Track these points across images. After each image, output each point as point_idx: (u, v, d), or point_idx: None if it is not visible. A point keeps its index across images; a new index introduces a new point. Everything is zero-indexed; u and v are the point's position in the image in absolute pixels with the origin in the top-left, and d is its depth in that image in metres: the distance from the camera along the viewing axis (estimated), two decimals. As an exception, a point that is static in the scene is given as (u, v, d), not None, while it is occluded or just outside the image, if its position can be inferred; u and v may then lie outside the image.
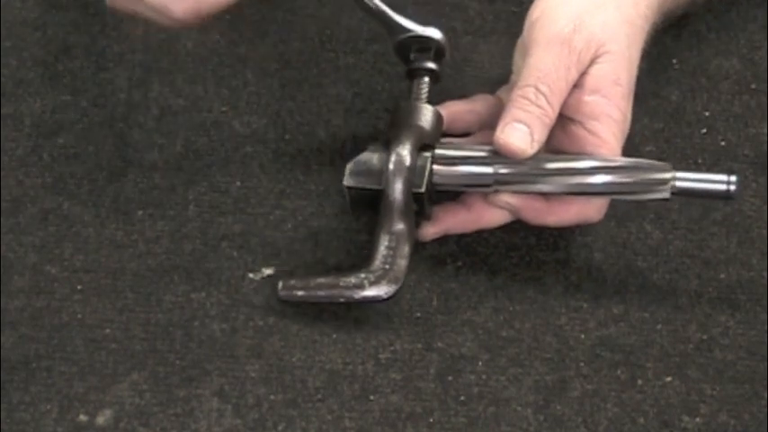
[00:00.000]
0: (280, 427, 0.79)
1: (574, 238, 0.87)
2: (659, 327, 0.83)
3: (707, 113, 0.92)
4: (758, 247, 0.86)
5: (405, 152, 0.80)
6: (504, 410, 0.80)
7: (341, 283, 0.80)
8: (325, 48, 0.95)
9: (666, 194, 0.80)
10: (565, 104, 0.81)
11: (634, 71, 0.83)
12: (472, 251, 0.86)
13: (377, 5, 0.84)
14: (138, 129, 0.90)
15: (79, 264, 0.85)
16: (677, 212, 0.88)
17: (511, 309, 0.84)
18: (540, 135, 0.80)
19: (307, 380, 0.81)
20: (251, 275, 0.85)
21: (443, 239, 0.86)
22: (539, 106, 0.80)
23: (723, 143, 0.91)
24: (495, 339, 0.83)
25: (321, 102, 0.92)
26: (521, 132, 0.80)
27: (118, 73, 0.93)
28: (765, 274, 0.85)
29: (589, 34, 0.81)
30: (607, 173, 0.80)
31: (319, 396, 0.80)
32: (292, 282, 0.81)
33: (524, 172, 0.81)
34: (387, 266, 0.79)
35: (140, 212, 0.87)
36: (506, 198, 0.82)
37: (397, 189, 0.80)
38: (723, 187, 0.80)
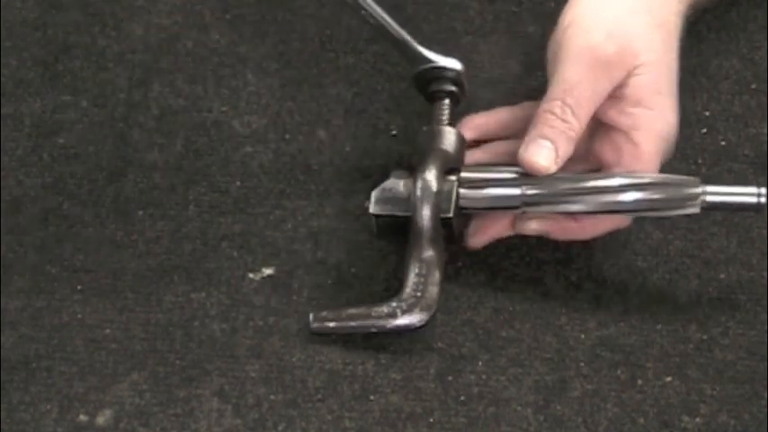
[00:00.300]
0: (280, 427, 0.79)
1: (574, 238, 0.87)
2: (659, 327, 0.83)
3: (707, 113, 0.92)
4: (758, 247, 0.86)
5: (431, 177, 0.80)
6: (504, 410, 0.80)
7: (373, 313, 0.80)
8: (325, 48, 0.95)
9: (697, 209, 0.80)
10: (608, 115, 0.81)
11: (674, 76, 0.83)
12: (472, 251, 0.86)
13: (399, 34, 0.84)
14: (138, 129, 0.90)
15: (79, 264, 0.85)
16: (677, 212, 0.88)
17: (511, 309, 0.84)
18: (565, 150, 0.80)
19: (307, 380, 0.81)
20: (251, 275, 0.85)
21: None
22: (564, 120, 0.80)
23: (723, 143, 0.91)
24: (495, 339, 0.83)
25: (321, 102, 0.92)
26: (545, 149, 0.80)
27: (118, 73, 0.93)
28: (765, 274, 0.85)
29: (622, 44, 0.81)
30: (637, 190, 0.80)
31: (319, 396, 0.80)
32: (324, 313, 0.81)
33: (552, 192, 0.80)
34: (418, 294, 0.79)
35: (140, 212, 0.87)
36: (533, 225, 0.82)
37: (426, 215, 0.80)
38: (754, 200, 0.80)
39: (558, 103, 0.80)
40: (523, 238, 0.86)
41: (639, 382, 0.81)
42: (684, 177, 0.81)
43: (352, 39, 0.95)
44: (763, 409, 0.80)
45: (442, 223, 0.80)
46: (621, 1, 0.83)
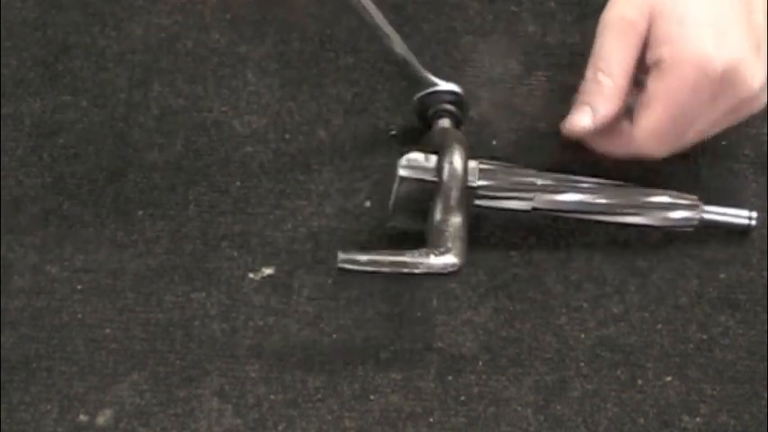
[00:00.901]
0: (280, 427, 0.79)
1: (574, 238, 0.87)
2: (659, 327, 0.83)
3: (707, 113, 0.92)
4: (758, 246, 0.86)
5: (459, 147, 0.81)
6: (504, 410, 0.80)
7: (405, 255, 0.79)
8: (325, 48, 0.95)
9: (691, 229, 0.85)
10: (643, 66, 0.82)
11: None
12: (472, 251, 0.86)
13: (403, 55, 0.85)
14: (138, 129, 0.90)
15: (79, 264, 0.85)
16: (677, 212, 0.88)
17: (511, 309, 0.84)
18: (605, 109, 0.82)
19: (307, 380, 0.81)
20: (251, 275, 0.85)
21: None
22: (596, 82, 0.82)
23: (723, 143, 0.90)
24: (495, 339, 0.83)
25: (321, 102, 0.92)
26: (581, 112, 0.83)
27: (118, 73, 0.93)
28: (765, 274, 0.85)
29: (643, 7, 0.82)
30: (637, 211, 0.84)
31: (319, 396, 0.80)
32: (353, 252, 0.79)
33: (563, 200, 0.84)
34: (449, 245, 0.79)
35: (140, 212, 0.87)
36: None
37: (455, 181, 0.80)
38: (745, 222, 0.86)
39: (591, 69, 0.83)
40: (524, 238, 0.86)
41: (639, 382, 0.81)
42: (686, 199, 0.85)
43: (352, 39, 0.95)
44: (763, 409, 0.80)
45: (467, 192, 0.81)
46: None
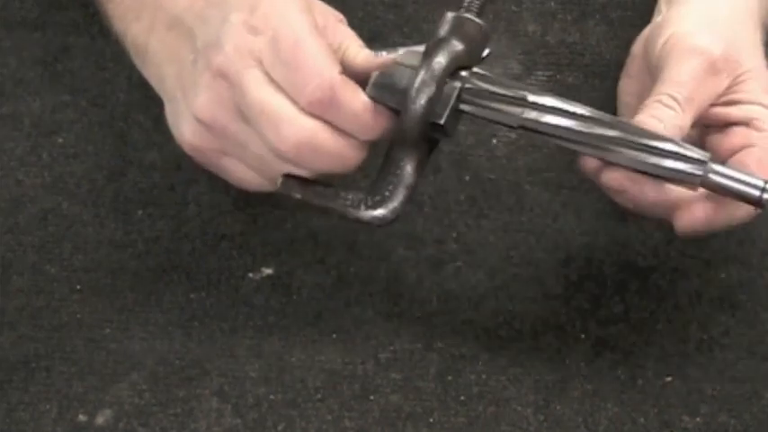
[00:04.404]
0: (280, 427, 0.79)
1: (574, 237, 0.87)
2: (659, 327, 0.83)
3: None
4: (758, 246, 0.86)
5: (430, 76, 0.75)
6: (504, 410, 0.80)
7: (340, 197, 0.76)
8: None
9: (692, 188, 0.76)
10: (727, 114, 0.80)
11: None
12: (472, 251, 0.86)
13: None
14: (138, 128, 0.90)
15: (78, 263, 0.85)
16: (677, 212, 0.88)
17: (511, 309, 0.84)
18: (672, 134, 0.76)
19: (307, 380, 0.81)
20: (251, 275, 0.85)
21: (443, 239, 0.86)
22: (670, 108, 0.78)
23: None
24: (495, 339, 0.83)
25: (321, 102, 0.92)
26: (653, 125, 0.77)
27: (118, 73, 0.93)
28: (765, 274, 0.85)
29: (727, 48, 0.80)
30: (631, 152, 0.75)
31: (319, 396, 0.80)
32: (295, 181, 0.76)
33: (551, 123, 0.76)
34: (386, 194, 0.76)
35: (140, 212, 0.87)
36: (614, 176, 0.77)
37: (414, 117, 0.75)
38: (756, 193, 0.75)
39: (666, 96, 0.78)
40: (524, 238, 0.86)
41: (639, 382, 0.81)
42: (694, 152, 0.75)
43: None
44: (763, 409, 0.80)
45: (431, 127, 0.76)
46: (724, 4, 0.84)
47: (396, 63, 0.77)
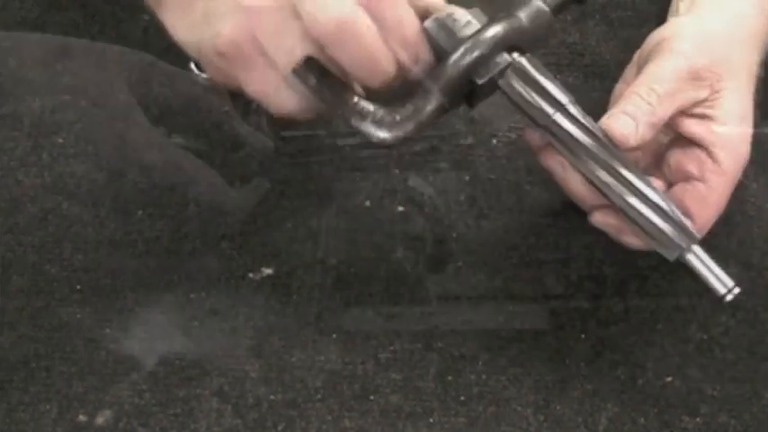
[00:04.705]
0: (280, 427, 0.79)
1: (574, 237, 0.86)
2: (659, 327, 0.83)
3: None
4: (758, 247, 0.86)
5: (488, 37, 0.76)
6: (504, 410, 0.80)
7: (353, 99, 0.75)
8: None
9: (671, 258, 0.77)
10: (694, 130, 0.81)
11: (752, 104, 0.84)
12: (472, 251, 0.86)
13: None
14: (138, 129, 0.90)
15: (78, 263, 0.85)
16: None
17: (511, 309, 0.84)
18: (645, 131, 0.79)
19: (307, 380, 0.81)
20: (251, 275, 0.85)
21: (443, 239, 0.86)
22: (648, 103, 0.79)
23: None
24: (495, 339, 0.83)
25: (321, 102, 0.92)
26: (625, 122, 0.79)
27: (118, 73, 0.93)
28: (765, 274, 0.85)
29: (712, 62, 0.81)
30: (643, 202, 0.77)
31: (319, 396, 0.80)
32: (313, 71, 0.75)
33: (576, 137, 0.77)
34: (398, 118, 0.75)
35: (140, 212, 0.87)
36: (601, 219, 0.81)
37: (459, 65, 0.76)
38: (722, 290, 0.76)
39: (645, 88, 0.80)
40: (524, 238, 0.86)
41: (639, 382, 0.81)
42: (689, 227, 0.77)
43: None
44: (763, 409, 0.80)
45: (468, 84, 0.77)
46: (725, 23, 0.84)
47: (464, 11, 0.77)
